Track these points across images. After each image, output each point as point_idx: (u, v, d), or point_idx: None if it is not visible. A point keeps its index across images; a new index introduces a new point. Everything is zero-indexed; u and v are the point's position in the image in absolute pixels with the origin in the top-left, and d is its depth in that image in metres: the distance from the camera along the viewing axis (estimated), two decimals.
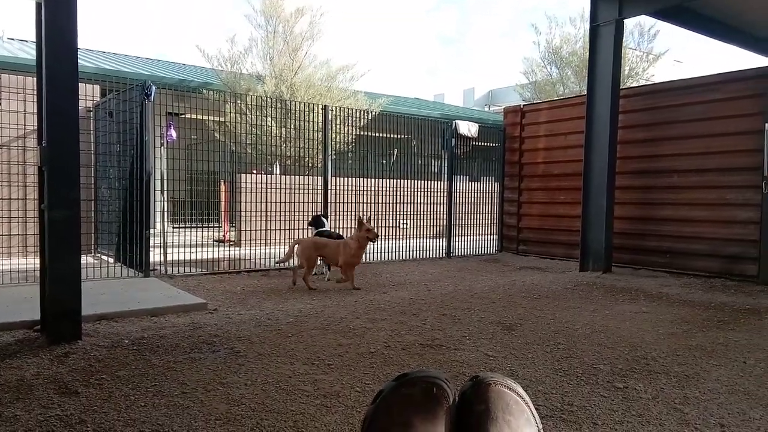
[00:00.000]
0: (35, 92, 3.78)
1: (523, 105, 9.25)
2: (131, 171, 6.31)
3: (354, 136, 10.54)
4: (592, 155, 6.90)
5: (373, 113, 9.79)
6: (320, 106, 7.77)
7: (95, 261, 6.52)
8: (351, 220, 8.62)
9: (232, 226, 9.56)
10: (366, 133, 10.06)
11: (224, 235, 9.43)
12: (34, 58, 3.65)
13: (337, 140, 9.87)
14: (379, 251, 7.93)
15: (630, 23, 14.76)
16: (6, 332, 3.61)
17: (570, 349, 3.50)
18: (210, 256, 7.08)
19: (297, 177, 8.18)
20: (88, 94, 7.41)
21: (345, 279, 5.62)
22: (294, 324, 4.00)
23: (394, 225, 9.14)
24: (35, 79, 3.66)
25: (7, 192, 7.11)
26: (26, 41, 13.26)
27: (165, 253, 6.42)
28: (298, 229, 7.48)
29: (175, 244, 6.97)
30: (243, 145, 9.67)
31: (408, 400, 0.78)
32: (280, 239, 7.40)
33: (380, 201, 8.57)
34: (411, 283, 6.09)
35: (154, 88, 6.10)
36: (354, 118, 9.25)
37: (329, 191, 7.60)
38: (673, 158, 6.85)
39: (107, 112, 7.42)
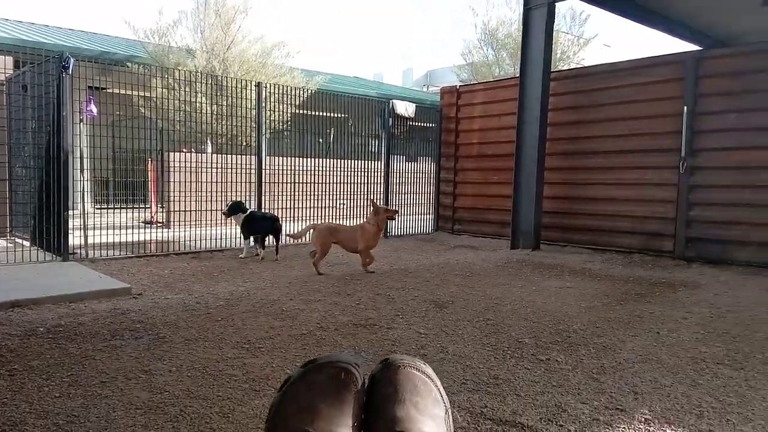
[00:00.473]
0: None
1: (459, 86, 9.35)
2: (47, 149, 5.91)
3: (290, 115, 10.33)
4: (524, 137, 7.08)
5: (310, 91, 9.61)
6: (254, 83, 7.54)
7: (10, 245, 6.10)
8: (287, 200, 8.49)
9: (161, 207, 9.20)
10: (303, 112, 9.89)
11: (152, 216, 9.07)
12: None
13: (273, 119, 9.63)
14: None
15: (563, 7, 15.16)
16: None
17: (498, 324, 3.61)
18: (136, 238, 6.78)
19: (230, 156, 7.92)
20: (0, 67, 6.84)
21: (364, 263, 5.50)
22: (224, 307, 3.90)
23: (332, 205, 9.07)
24: None
25: None
26: None
27: (86, 236, 6.08)
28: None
29: (99, 226, 6.62)
30: (172, 122, 9.27)
31: (314, 386, 0.76)
32: (212, 220, 7.18)
33: (317, 181, 8.47)
34: (347, 263, 6.08)
35: (72, 60, 5.70)
36: (290, 96, 9.06)
37: (264, 171, 7.42)
38: (599, 140, 7.14)
39: (21, 86, 6.89)
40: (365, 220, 5.73)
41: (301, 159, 9.33)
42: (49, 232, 5.69)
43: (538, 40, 6.92)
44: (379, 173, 8.90)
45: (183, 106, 9.07)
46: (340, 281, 4.94)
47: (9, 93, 7.08)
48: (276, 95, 8.57)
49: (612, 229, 7.00)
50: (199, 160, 8.48)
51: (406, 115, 9.13)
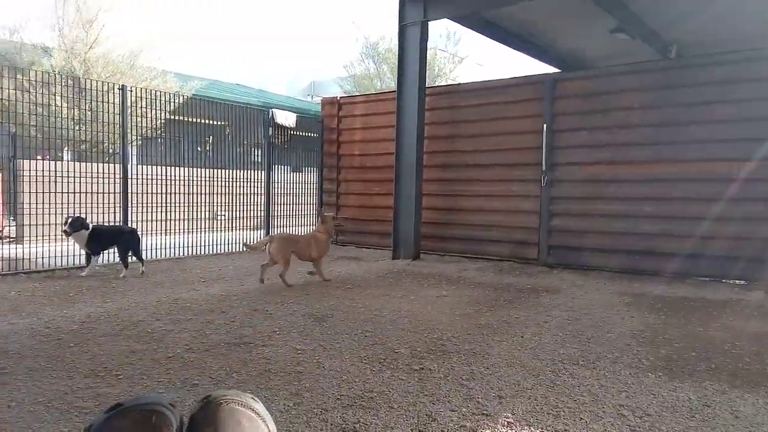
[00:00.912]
0: None
1: (340, 97, 9.41)
2: None
3: (163, 121, 9.75)
4: (402, 149, 7.28)
5: (184, 97, 9.15)
6: (117, 86, 7.01)
7: None
8: (159, 212, 7.96)
9: (12, 220, 8.22)
10: (178, 118, 9.37)
11: (0, 230, 8.07)
12: None
13: (143, 125, 9.04)
14: (191, 245, 7.46)
15: (439, 27, 15.91)
16: None
17: (376, 335, 3.63)
18: None
19: (93, 164, 7.28)
20: None
21: (320, 272, 5.61)
22: (78, 332, 3.54)
23: (211, 217, 8.67)
24: None
25: None
26: None
27: None
28: (94, 222, 6.67)
29: None
30: (25, 126, 8.34)
31: None
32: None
33: (195, 191, 8.05)
34: (224, 278, 5.82)
35: None
36: (162, 102, 8.55)
37: (130, 180, 6.91)
38: (471, 153, 7.53)
39: None
40: (315, 229, 5.84)
41: (176, 168, 8.82)
42: None
43: (413, 56, 7.16)
44: (260, 183, 8.66)
45: (38, 109, 8.21)
46: (214, 298, 4.70)
47: None
48: (146, 100, 8.05)
49: (485, 238, 7.40)
50: (57, 169, 7.70)
51: (287, 125, 9.01)
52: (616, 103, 6.45)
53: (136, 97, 7.77)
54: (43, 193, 7.30)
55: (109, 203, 7.19)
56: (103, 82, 7.47)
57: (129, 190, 6.83)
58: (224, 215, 8.98)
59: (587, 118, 6.63)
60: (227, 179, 8.60)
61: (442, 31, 16.21)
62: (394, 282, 5.70)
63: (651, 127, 6.22)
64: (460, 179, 7.65)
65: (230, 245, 7.98)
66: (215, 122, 9.30)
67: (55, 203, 7.25)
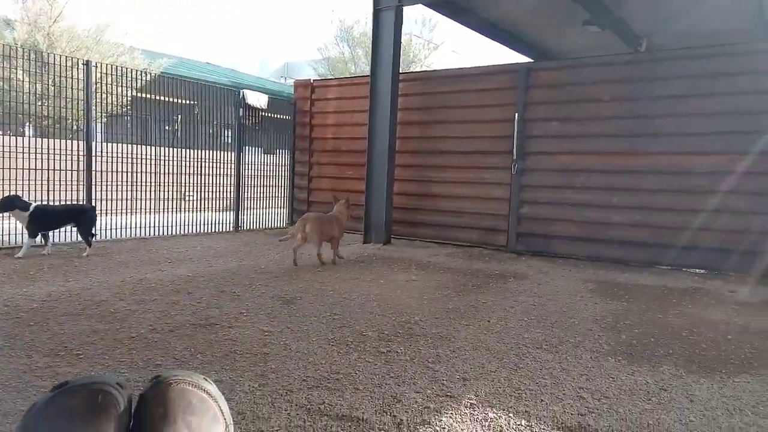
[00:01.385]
0: None
1: (314, 80, 9.30)
2: None
3: (130, 99, 9.50)
4: (375, 134, 7.25)
5: (152, 74, 8.92)
6: (82, 62, 6.78)
7: None
8: (125, 191, 7.77)
9: None
10: (146, 96, 9.13)
11: None
12: None
13: (109, 102, 8.79)
14: (158, 225, 7.32)
15: (415, 13, 15.83)
16: None
17: (345, 318, 3.64)
18: None
19: (56, 141, 7.04)
20: None
21: (336, 251, 5.87)
22: (39, 310, 3.45)
23: (179, 197, 8.50)
24: None
25: None
26: None
27: None
28: (57, 201, 6.49)
29: None
30: None
31: (65, 412, 0.66)
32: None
33: (162, 171, 7.88)
34: (191, 259, 5.74)
35: None
36: (129, 78, 8.31)
37: (94, 158, 6.71)
38: (444, 140, 7.55)
39: None
40: (335, 209, 6.01)
41: (144, 147, 8.61)
42: None
43: (387, 41, 7.11)
44: (230, 164, 8.53)
45: None
46: (180, 279, 4.63)
47: None
48: (112, 76, 7.81)
49: (455, 224, 7.45)
50: (18, 144, 7.43)
51: (258, 106, 8.87)
52: (587, 95, 6.54)
53: (101, 73, 7.52)
54: (3, 168, 7.05)
55: (72, 181, 6.99)
56: (67, 57, 7.22)
57: (93, 168, 6.64)
58: (192, 196, 8.82)
59: (559, 108, 6.70)
60: (196, 159, 8.44)
61: (418, 17, 16.14)
62: (364, 266, 5.70)
63: (620, 119, 6.33)
64: (432, 165, 7.67)
65: (199, 226, 7.87)
66: (184, 101, 9.10)
67: (16, 180, 7.01)
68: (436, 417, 2.23)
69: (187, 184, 8.50)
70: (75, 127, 9.01)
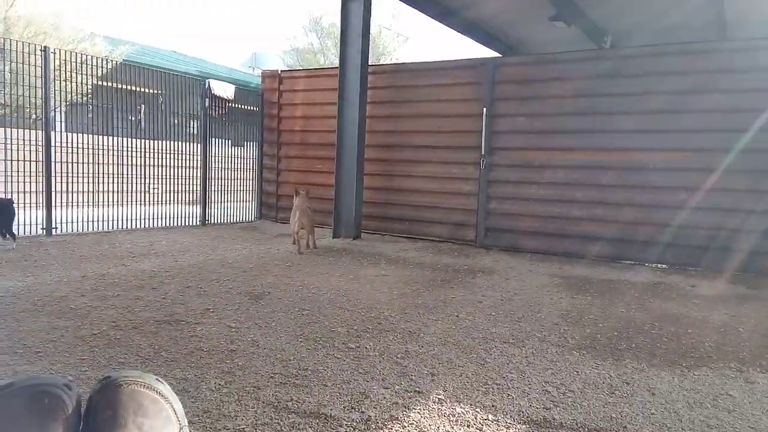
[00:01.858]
0: None
1: (281, 71, 9.17)
2: None
3: (91, 87, 9.20)
4: (344, 127, 7.20)
5: (114, 62, 8.66)
6: (39, 48, 6.53)
7: None
8: (86, 182, 7.53)
9: None
10: (107, 84, 8.85)
11: None
12: None
13: (69, 90, 8.50)
14: (122, 218, 7.13)
15: (385, 4, 15.76)
16: None
17: (314, 314, 3.61)
18: None
19: (12, 130, 6.77)
20: None
21: (313, 241, 6.35)
22: None
23: (143, 189, 8.29)
24: None
25: None
26: None
27: None
28: (14, 192, 6.25)
29: None
30: None
31: (8, 414, 0.64)
32: None
33: (126, 162, 7.67)
34: (156, 253, 5.61)
35: None
36: (90, 66, 8.04)
37: (53, 148, 6.48)
38: (413, 134, 7.55)
39: None
40: (298, 203, 6.23)
41: (106, 137, 8.36)
42: None
43: (356, 31, 7.05)
44: (197, 156, 8.36)
45: None
46: (144, 274, 4.53)
47: None
48: (72, 63, 7.55)
49: (425, 219, 7.48)
50: None
51: (225, 97, 8.71)
52: (551, 91, 6.63)
53: (61, 60, 7.27)
54: None
55: (30, 172, 6.74)
56: (23, 42, 6.94)
57: (52, 159, 6.41)
58: (157, 188, 8.61)
59: (524, 103, 6.78)
60: (161, 151, 8.24)
61: (388, 9, 16.10)
62: (333, 261, 5.68)
63: (583, 116, 6.44)
64: (402, 160, 7.67)
65: (164, 219, 7.70)
66: (148, 90, 8.86)
67: None
68: (405, 413, 2.24)
69: (152, 176, 8.30)
70: (33, 116, 8.68)
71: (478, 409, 2.29)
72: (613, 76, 6.30)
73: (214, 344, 2.94)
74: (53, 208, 6.35)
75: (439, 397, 2.40)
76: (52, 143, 6.46)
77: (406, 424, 2.14)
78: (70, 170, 6.87)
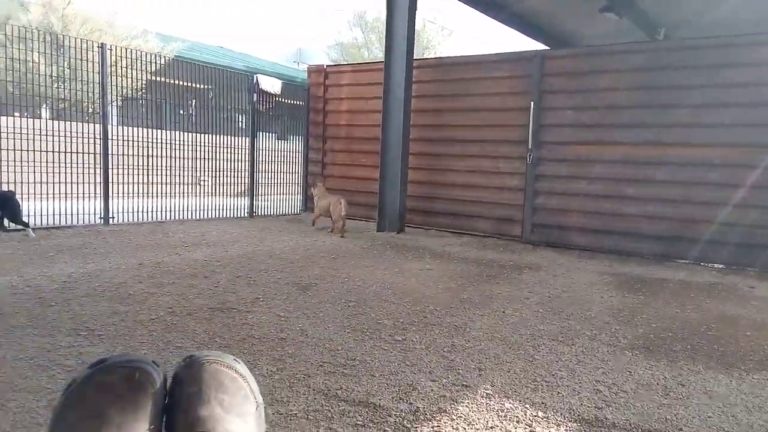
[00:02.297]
0: None
1: (327, 65, 9.25)
2: None
3: (145, 82, 9.51)
4: (389, 121, 7.21)
5: (166, 58, 8.92)
6: (97, 44, 6.79)
7: None
8: (142, 174, 7.82)
9: None
10: (160, 80, 9.14)
11: None
12: None
13: (123, 85, 8.82)
14: (173, 209, 7.37)
15: None
16: None
17: (360, 306, 3.65)
18: None
19: (72, 123, 7.10)
20: None
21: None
22: (60, 291, 3.50)
23: (193, 181, 8.54)
24: None
25: None
26: None
27: None
28: (73, 183, 6.55)
29: None
30: (3, 82, 8.07)
31: (103, 388, 0.69)
32: (51, 193, 6.41)
33: (177, 155, 7.92)
34: (207, 243, 5.78)
35: None
36: (144, 62, 8.32)
37: (110, 141, 6.75)
38: (458, 128, 7.50)
39: None
40: (323, 191, 7.28)
41: (158, 131, 8.64)
42: None
43: (401, 25, 7.02)
44: (245, 150, 8.54)
45: (15, 65, 7.94)
46: (197, 263, 4.67)
47: None
48: (127, 59, 7.83)
49: (469, 214, 7.43)
50: (35, 126, 7.49)
51: (272, 92, 8.86)
52: (602, 83, 6.44)
53: (116, 56, 7.55)
54: (20, 150, 7.10)
55: (87, 163, 7.04)
56: (82, 39, 7.24)
57: (109, 151, 6.68)
58: (207, 181, 8.86)
59: (574, 97, 6.62)
60: (210, 144, 8.46)
61: (432, 2, 16.01)
62: (378, 254, 5.71)
63: (636, 109, 6.24)
64: (447, 154, 7.63)
65: (213, 211, 7.91)
66: (198, 85, 9.10)
67: (34, 161, 7.06)
68: (453, 406, 2.24)
69: (202, 169, 8.53)
70: (90, 110, 9.06)
71: (527, 406, 2.27)
72: (669, 69, 6.07)
73: (265, 332, 3.01)
74: (110, 199, 6.61)
75: (487, 391, 2.40)
76: (109, 136, 6.72)
77: (454, 417, 2.14)
78: (124, 163, 7.15)
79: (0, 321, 2.88)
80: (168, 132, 8.54)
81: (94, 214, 6.54)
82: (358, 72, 8.72)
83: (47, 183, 6.43)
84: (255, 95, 8.44)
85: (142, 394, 0.69)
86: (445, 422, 2.10)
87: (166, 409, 0.72)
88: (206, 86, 9.12)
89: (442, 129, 7.65)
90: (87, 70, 7.27)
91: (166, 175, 7.95)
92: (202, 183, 8.75)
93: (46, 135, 6.71)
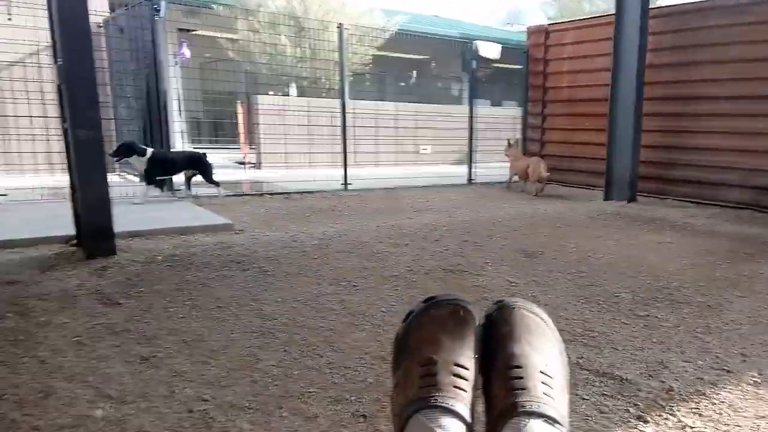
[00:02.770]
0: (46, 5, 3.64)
1: (548, 24, 8.82)
2: (147, 91, 6.24)
3: (371, 57, 10.21)
4: (619, 80, 6.62)
5: (391, 32, 9.43)
6: (335, 25, 7.49)
7: (120, 180, 6.61)
8: (371, 144, 8.53)
9: (252, 148, 9.57)
10: (383, 54, 9.74)
11: (244, 157, 9.46)
12: None
13: (354, 61, 9.59)
14: (399, 177, 7.91)
15: None
16: (44, 246, 3.76)
17: (592, 277, 3.53)
18: (231, 178, 7.12)
19: (314, 99, 8.04)
20: (97, 8, 7.19)
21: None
22: (318, 246, 4.07)
23: (415, 150, 9.03)
24: None
25: (26, 110, 7.10)
26: None
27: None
28: (318, 153, 7.46)
29: None
30: (257, 64, 9.43)
31: (436, 320, 0.83)
32: (299, 162, 7.40)
33: (400, 125, 8.45)
34: (432, 209, 6.11)
35: (163, 2, 5.89)
36: (371, 38, 8.93)
37: (346, 115, 7.47)
38: (703, 84, 6.56)
39: (119, 29, 7.24)
40: (518, 152, 7.85)
41: (383, 102, 9.26)
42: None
43: None
44: (463, 117, 8.71)
45: (267, 48, 9.19)
46: (426, 227, 4.98)
47: (107, 35, 7.47)
48: (357, 36, 8.49)
49: (718, 182, 6.52)
50: (285, 103, 8.65)
51: (491, 57, 8.81)
52: None
53: (349, 34, 8.23)
54: (275, 125, 8.29)
55: (326, 135, 7.90)
56: (321, 20, 8.06)
57: (346, 124, 7.41)
58: (426, 150, 9.27)
59: None
60: (429, 113, 8.80)
61: None
62: (607, 224, 5.40)
63: None
64: (688, 114, 6.77)
65: (434, 178, 8.27)
66: (416, 56, 9.46)
67: (285, 134, 8.19)
68: (713, 389, 2.07)
69: (421, 137, 8.96)
70: (327, 87, 10.10)
71: None
72: None
73: (497, 295, 3.11)
74: (347, 167, 7.36)
75: (755, 380, 2.15)
76: (346, 110, 7.45)
77: (716, 402, 1.98)
78: (356, 134, 7.86)
79: (278, 269, 3.47)
80: (391, 103, 9.11)
81: (336, 180, 7.35)
82: (583, 28, 8.15)
83: (295, 153, 7.42)
84: (474, 62, 8.49)
85: (466, 327, 0.83)
86: (705, 405, 1.96)
87: (483, 341, 0.85)
88: (425, 57, 9.45)
89: (682, 85, 6.78)
90: (325, 50, 8.09)
91: (391, 145, 8.55)
92: (422, 151, 9.20)
93: (295, 110, 7.71)
